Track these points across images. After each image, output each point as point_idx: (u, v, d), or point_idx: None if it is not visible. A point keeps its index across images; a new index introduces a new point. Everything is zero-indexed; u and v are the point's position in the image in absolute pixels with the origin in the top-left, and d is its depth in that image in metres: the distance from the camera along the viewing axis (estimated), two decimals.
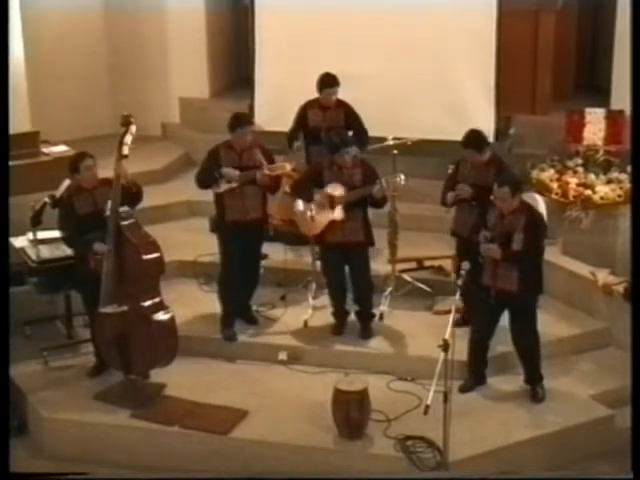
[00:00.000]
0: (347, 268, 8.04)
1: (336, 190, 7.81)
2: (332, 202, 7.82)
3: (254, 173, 7.80)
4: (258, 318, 8.33)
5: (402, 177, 7.76)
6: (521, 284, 7.13)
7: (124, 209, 7.39)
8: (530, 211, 7.28)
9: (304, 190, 7.98)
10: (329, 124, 8.73)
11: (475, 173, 7.77)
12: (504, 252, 7.08)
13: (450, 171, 8.02)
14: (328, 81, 8.71)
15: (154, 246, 7.43)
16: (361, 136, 8.60)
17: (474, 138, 7.77)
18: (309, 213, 7.89)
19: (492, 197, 7.21)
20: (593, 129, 8.88)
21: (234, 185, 7.79)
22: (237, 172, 7.78)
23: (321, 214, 7.87)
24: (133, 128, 7.45)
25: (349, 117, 8.82)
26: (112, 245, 7.27)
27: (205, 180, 7.96)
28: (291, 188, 8.24)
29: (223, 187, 7.82)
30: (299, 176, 8.34)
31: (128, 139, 7.39)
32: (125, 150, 7.33)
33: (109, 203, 7.29)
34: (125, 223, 7.36)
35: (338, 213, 7.81)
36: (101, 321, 7.46)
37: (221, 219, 7.99)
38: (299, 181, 8.18)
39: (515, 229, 7.11)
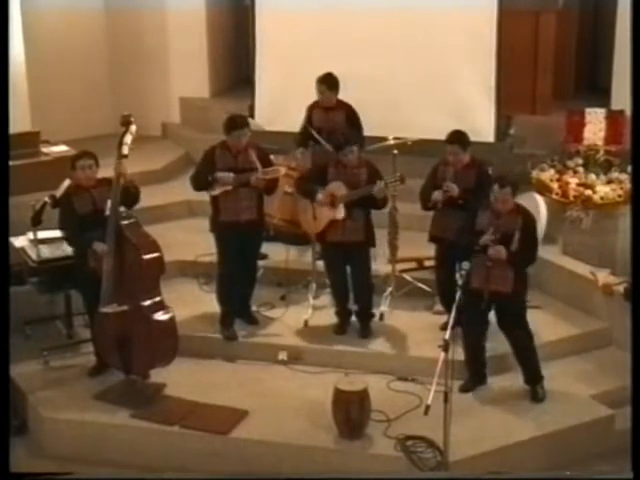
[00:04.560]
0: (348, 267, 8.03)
1: (338, 189, 7.82)
2: (334, 201, 7.82)
3: (248, 176, 7.77)
4: (258, 318, 8.33)
5: (398, 176, 7.76)
6: (515, 285, 7.14)
7: (122, 209, 7.40)
8: (524, 211, 7.30)
9: (308, 188, 7.98)
10: (331, 124, 8.75)
11: (455, 176, 7.72)
12: (508, 253, 7.07)
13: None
14: (324, 81, 8.72)
15: (154, 246, 7.43)
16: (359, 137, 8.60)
17: (459, 134, 7.76)
18: (311, 211, 7.90)
19: (491, 198, 7.20)
20: (593, 129, 8.89)
21: (228, 188, 7.79)
22: (231, 175, 7.75)
23: (323, 212, 7.87)
24: (133, 128, 7.45)
25: (350, 118, 8.83)
26: (112, 244, 7.27)
27: (199, 183, 7.96)
28: (295, 186, 8.22)
29: (218, 190, 7.81)
30: (303, 174, 8.32)
31: (128, 139, 7.41)
32: (125, 150, 7.34)
33: (109, 202, 7.30)
34: (125, 223, 7.37)
35: (339, 212, 7.81)
36: (101, 321, 7.46)
37: (216, 220, 8.00)
38: (303, 179, 8.16)
39: (514, 229, 7.11)
